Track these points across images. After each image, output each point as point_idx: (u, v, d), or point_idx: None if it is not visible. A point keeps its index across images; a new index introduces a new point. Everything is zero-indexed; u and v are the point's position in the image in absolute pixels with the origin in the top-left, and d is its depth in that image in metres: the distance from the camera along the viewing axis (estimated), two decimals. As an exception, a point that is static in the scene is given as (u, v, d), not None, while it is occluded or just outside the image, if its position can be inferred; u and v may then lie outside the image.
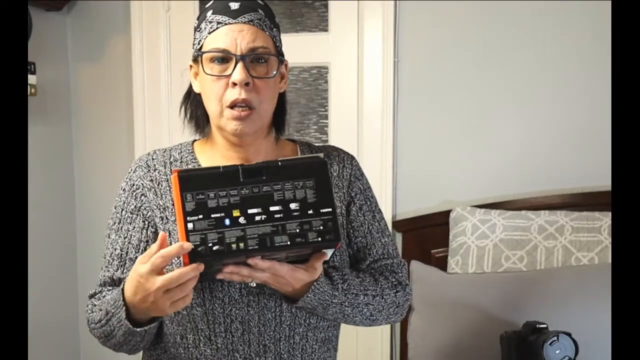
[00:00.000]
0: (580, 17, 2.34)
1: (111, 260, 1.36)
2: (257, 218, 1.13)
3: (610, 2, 2.12)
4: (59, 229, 2.74)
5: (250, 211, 1.13)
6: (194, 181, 1.14)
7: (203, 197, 1.13)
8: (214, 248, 1.11)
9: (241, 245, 1.12)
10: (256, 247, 1.12)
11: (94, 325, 1.31)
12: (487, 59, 2.43)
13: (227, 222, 1.12)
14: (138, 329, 1.23)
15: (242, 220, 1.13)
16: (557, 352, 1.70)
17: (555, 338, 1.70)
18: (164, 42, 2.67)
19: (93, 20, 2.73)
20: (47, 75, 2.62)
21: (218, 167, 1.17)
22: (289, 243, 1.13)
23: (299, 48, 2.59)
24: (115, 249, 1.35)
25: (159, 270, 1.13)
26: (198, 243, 1.11)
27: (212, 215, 1.12)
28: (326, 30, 2.58)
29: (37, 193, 2.53)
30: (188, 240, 1.11)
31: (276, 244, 1.13)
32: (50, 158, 2.68)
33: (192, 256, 1.11)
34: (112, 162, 2.76)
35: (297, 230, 1.14)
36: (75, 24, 2.75)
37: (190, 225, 1.11)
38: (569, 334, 1.72)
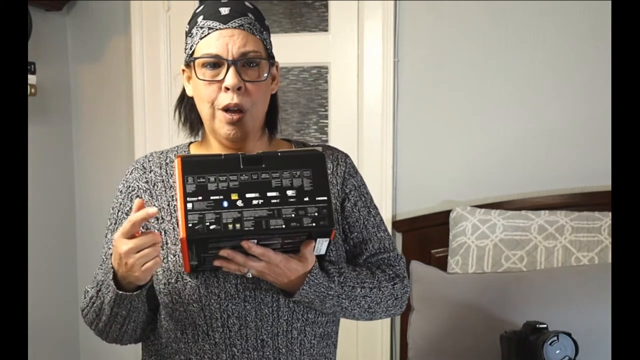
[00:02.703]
0: (580, 17, 2.34)
1: (105, 259, 1.39)
2: (255, 202, 1.17)
3: (610, 2, 2.13)
4: (59, 229, 2.74)
5: (248, 195, 1.18)
6: (196, 165, 1.19)
7: (203, 180, 1.18)
8: (211, 227, 1.15)
9: (237, 226, 1.16)
10: (252, 228, 1.16)
11: (87, 307, 1.35)
12: (487, 59, 2.43)
13: (225, 204, 1.17)
14: (121, 292, 1.25)
15: (239, 203, 1.17)
16: (557, 352, 1.70)
17: (555, 338, 1.70)
18: (164, 42, 2.68)
19: (93, 20, 2.73)
20: (47, 75, 2.62)
21: (220, 155, 1.22)
22: (284, 226, 1.17)
23: (299, 48, 2.59)
24: (110, 248, 1.37)
25: (128, 235, 1.17)
26: (196, 222, 1.15)
27: (211, 197, 1.17)
28: (326, 30, 2.58)
29: (37, 193, 2.53)
30: (187, 219, 1.15)
31: (271, 227, 1.16)
32: (50, 158, 2.68)
33: (190, 234, 1.15)
34: (112, 162, 2.76)
35: (293, 215, 1.17)
36: (75, 24, 2.75)
37: (189, 205, 1.16)
38: (569, 334, 1.72)
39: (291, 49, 2.57)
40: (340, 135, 2.58)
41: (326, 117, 2.61)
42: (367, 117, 2.53)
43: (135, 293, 1.26)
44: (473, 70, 2.44)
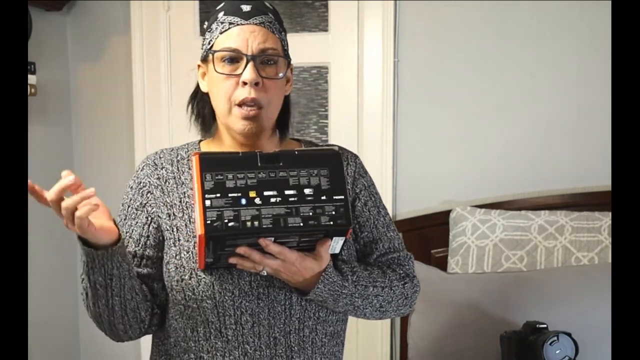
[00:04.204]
0: (580, 16, 2.34)
1: None
2: (272, 200, 1.18)
3: (610, 2, 2.13)
4: (59, 229, 2.72)
5: (266, 193, 1.18)
6: (214, 163, 1.19)
7: (222, 177, 1.18)
8: (230, 224, 1.15)
9: (255, 223, 1.16)
10: (270, 225, 1.16)
11: (82, 294, 1.37)
12: (487, 59, 2.43)
13: (243, 201, 1.17)
14: (88, 249, 1.26)
15: (257, 200, 1.17)
16: (557, 352, 1.70)
17: (555, 338, 1.71)
18: (164, 42, 2.67)
19: (93, 20, 2.73)
20: (47, 75, 2.62)
21: (237, 152, 1.23)
22: (301, 224, 1.17)
23: (299, 48, 2.57)
24: None
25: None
26: (215, 219, 1.15)
27: (230, 195, 1.17)
28: (326, 30, 2.58)
29: (37, 193, 2.52)
30: (205, 216, 1.15)
31: (289, 225, 1.17)
32: (50, 158, 2.68)
33: (208, 231, 1.15)
34: (112, 162, 2.76)
35: (310, 214, 1.18)
36: (75, 24, 2.75)
37: (208, 202, 1.16)
38: (569, 334, 1.72)
39: (291, 49, 2.56)
40: (340, 135, 2.58)
41: (326, 117, 2.61)
42: (367, 117, 2.52)
43: (100, 252, 1.25)
44: (473, 71, 2.44)
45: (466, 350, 1.96)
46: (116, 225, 1.27)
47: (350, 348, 2.52)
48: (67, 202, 1.17)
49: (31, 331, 2.21)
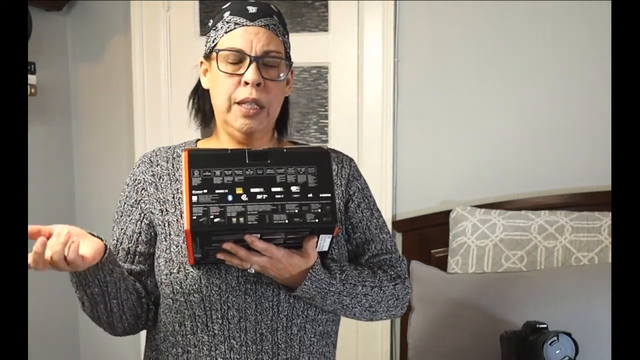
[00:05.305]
0: (579, 16, 2.35)
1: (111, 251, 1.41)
2: (259, 197, 1.19)
3: (610, 2, 2.13)
4: (59, 229, 2.73)
5: (252, 190, 1.19)
6: (203, 159, 1.20)
7: (209, 174, 1.19)
8: (215, 220, 1.16)
9: (241, 219, 1.17)
10: (255, 222, 1.17)
11: (78, 301, 1.39)
12: (487, 59, 2.43)
13: (230, 197, 1.18)
14: (76, 277, 1.30)
15: (244, 197, 1.18)
16: (557, 352, 1.70)
17: (555, 338, 1.71)
18: (164, 42, 2.68)
19: (93, 20, 2.73)
20: (47, 75, 2.62)
21: (226, 150, 1.24)
22: (287, 221, 1.18)
23: (299, 48, 2.58)
24: (114, 240, 1.43)
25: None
26: (201, 214, 1.16)
27: (216, 191, 1.18)
28: (326, 30, 2.58)
29: (37, 193, 2.53)
30: (192, 212, 1.16)
31: (275, 222, 1.17)
32: (50, 158, 2.68)
33: (194, 226, 1.16)
34: (112, 162, 2.76)
35: (296, 211, 1.19)
36: (75, 24, 2.75)
37: (194, 198, 1.17)
38: (569, 334, 1.72)
39: (291, 49, 2.57)
40: (340, 135, 2.58)
41: (326, 117, 2.61)
42: (367, 117, 2.53)
43: (90, 268, 1.27)
44: (473, 71, 2.44)
45: (466, 350, 1.96)
46: (96, 236, 1.30)
47: (350, 347, 2.53)
48: (52, 254, 1.20)
49: (31, 331, 2.21)
